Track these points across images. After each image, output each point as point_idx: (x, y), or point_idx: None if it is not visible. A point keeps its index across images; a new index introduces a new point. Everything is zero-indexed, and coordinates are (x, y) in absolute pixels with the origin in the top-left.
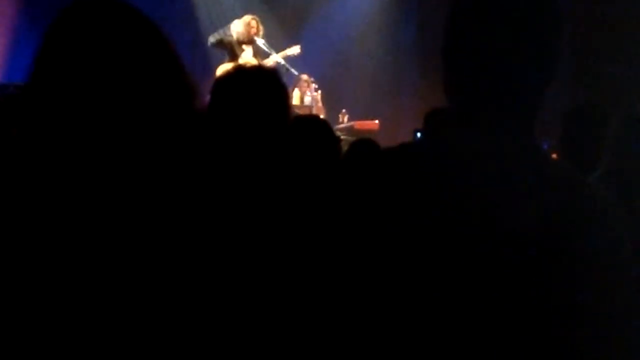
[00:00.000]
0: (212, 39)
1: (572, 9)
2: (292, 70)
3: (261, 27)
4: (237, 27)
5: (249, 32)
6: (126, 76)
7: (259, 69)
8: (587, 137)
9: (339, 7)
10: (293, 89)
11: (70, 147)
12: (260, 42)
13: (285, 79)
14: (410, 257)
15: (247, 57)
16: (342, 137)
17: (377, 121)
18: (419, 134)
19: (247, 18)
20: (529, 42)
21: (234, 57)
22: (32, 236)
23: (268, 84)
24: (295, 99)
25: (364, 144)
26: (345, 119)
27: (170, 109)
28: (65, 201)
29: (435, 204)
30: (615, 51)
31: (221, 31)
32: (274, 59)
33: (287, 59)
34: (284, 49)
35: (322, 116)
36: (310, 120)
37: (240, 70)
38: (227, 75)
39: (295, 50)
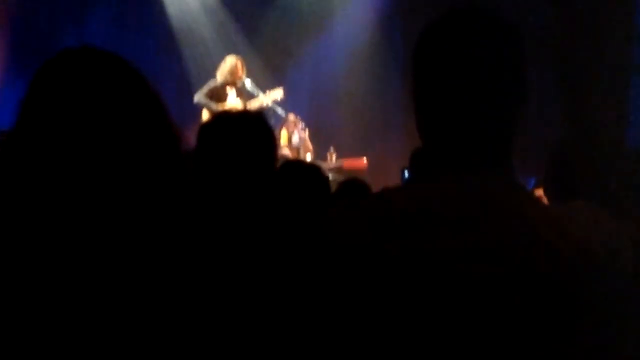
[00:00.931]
0: (197, 98)
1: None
2: (279, 110)
3: (244, 68)
4: (221, 69)
5: (234, 73)
6: (109, 125)
7: (245, 114)
8: (572, 173)
9: (325, 45)
10: (280, 129)
11: (53, 194)
12: (246, 82)
13: (272, 119)
14: (400, 309)
15: (231, 99)
16: (330, 176)
17: (365, 159)
18: (406, 172)
19: (232, 59)
20: (495, 78)
21: (219, 99)
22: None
23: (254, 130)
24: (282, 139)
25: (352, 184)
26: (334, 157)
27: (154, 156)
28: (47, 246)
29: (423, 253)
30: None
31: (204, 88)
32: (259, 101)
33: (272, 99)
34: (269, 87)
35: (310, 155)
36: (303, 166)
37: (225, 116)
38: (213, 121)
39: (278, 93)
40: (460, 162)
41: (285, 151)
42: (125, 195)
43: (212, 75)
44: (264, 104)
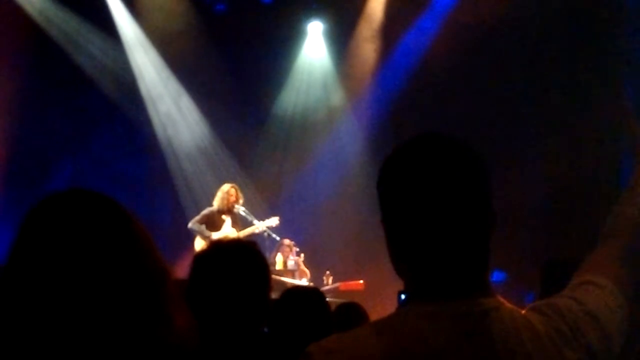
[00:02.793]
0: (191, 225)
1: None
2: (274, 235)
3: (240, 195)
4: (217, 196)
5: (228, 201)
6: (93, 270)
7: (238, 244)
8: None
9: (318, 170)
10: (276, 254)
11: (38, 335)
12: (240, 209)
13: (267, 244)
14: None
15: (226, 227)
16: (327, 299)
17: (362, 281)
18: (402, 296)
19: (226, 186)
20: (460, 202)
21: (214, 227)
22: None
23: (247, 260)
24: (278, 264)
25: (348, 308)
26: (330, 280)
27: (136, 298)
28: None
29: None
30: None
31: (199, 215)
32: (254, 228)
33: (268, 227)
34: (265, 215)
35: (306, 279)
36: (305, 292)
37: (218, 245)
38: (206, 251)
39: (274, 221)
40: (441, 291)
41: (281, 276)
42: (106, 337)
43: (208, 204)
44: (259, 231)
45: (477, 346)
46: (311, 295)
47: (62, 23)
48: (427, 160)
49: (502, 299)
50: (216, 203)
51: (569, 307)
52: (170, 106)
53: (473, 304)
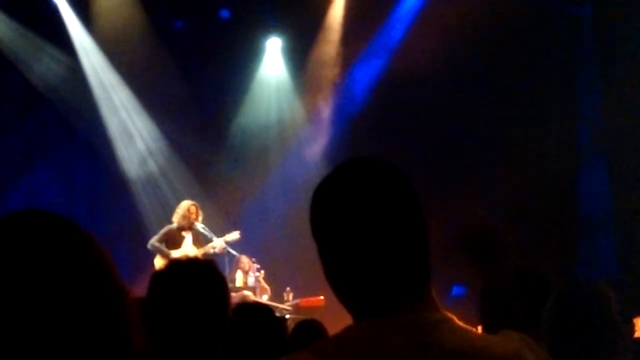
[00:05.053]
0: (150, 244)
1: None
2: (233, 252)
3: (200, 212)
4: (176, 213)
5: (189, 218)
6: (53, 290)
7: (195, 262)
8: (527, 306)
9: (277, 186)
10: (235, 271)
11: None
12: (200, 226)
13: (227, 261)
14: None
15: (187, 244)
16: (287, 315)
17: (322, 297)
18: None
19: (186, 203)
20: (393, 224)
21: (174, 245)
22: None
23: (204, 278)
24: (238, 281)
25: (306, 325)
26: (290, 296)
27: (93, 321)
28: None
29: None
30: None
31: (159, 233)
32: (214, 244)
33: (228, 242)
34: (225, 231)
35: (265, 296)
36: (253, 308)
37: (175, 264)
38: (163, 270)
39: (234, 235)
40: (385, 307)
41: (241, 292)
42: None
43: (168, 221)
44: (219, 248)
45: (431, 357)
46: (260, 311)
47: (12, 37)
48: (354, 183)
49: (450, 314)
50: (175, 220)
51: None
52: (127, 121)
53: (421, 316)
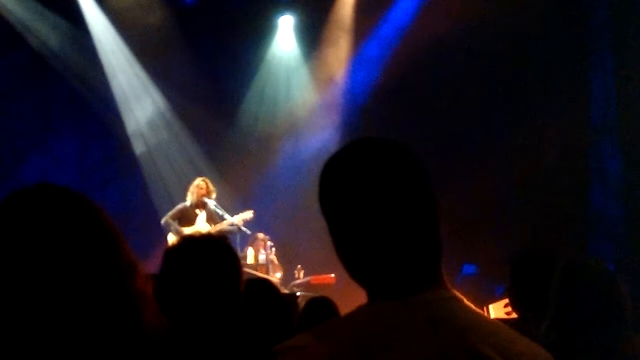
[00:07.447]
0: (164, 221)
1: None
2: (245, 229)
3: (212, 188)
4: (189, 191)
5: (199, 193)
6: (64, 264)
7: (207, 238)
8: (535, 285)
9: (288, 164)
10: (247, 248)
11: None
12: (212, 204)
13: (239, 238)
14: None
15: (200, 222)
16: (298, 293)
17: (333, 275)
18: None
19: (197, 180)
20: (402, 201)
21: (188, 222)
22: None
23: (216, 253)
24: (250, 258)
25: (318, 303)
26: (302, 274)
27: (103, 294)
28: None
29: None
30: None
31: (172, 210)
32: (227, 222)
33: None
34: (235, 209)
35: (279, 274)
36: (258, 283)
37: (188, 240)
38: (176, 246)
39: (248, 214)
40: (397, 288)
41: (253, 270)
42: (74, 331)
43: (180, 198)
44: (232, 225)
45: (442, 330)
46: (263, 285)
47: (24, 12)
48: (364, 161)
49: (459, 294)
50: (189, 198)
51: None
52: (141, 99)
53: (431, 294)
